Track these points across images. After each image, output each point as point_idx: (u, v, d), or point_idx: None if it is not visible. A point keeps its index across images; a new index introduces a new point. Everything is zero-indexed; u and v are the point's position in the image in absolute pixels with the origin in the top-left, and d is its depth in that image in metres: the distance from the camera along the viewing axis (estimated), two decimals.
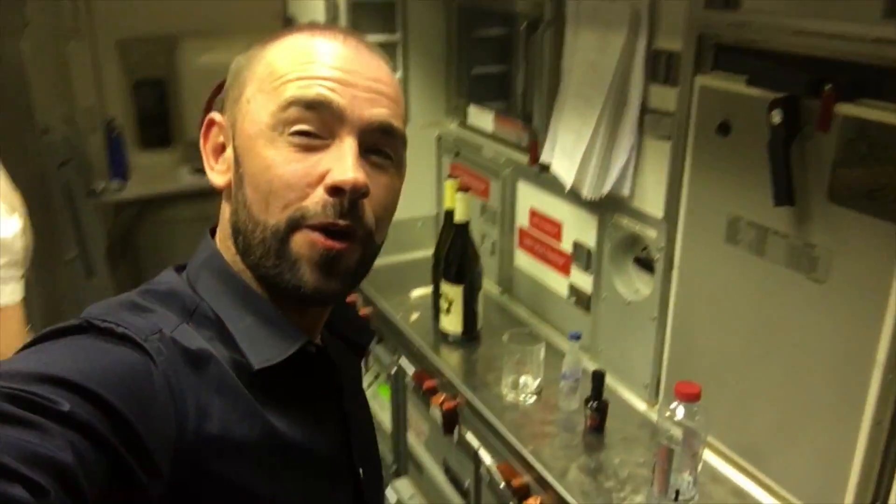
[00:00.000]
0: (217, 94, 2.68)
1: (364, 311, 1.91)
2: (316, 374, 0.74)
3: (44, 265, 2.91)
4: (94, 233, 3.08)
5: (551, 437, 1.38)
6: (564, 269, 1.63)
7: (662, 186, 1.31)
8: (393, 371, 1.80)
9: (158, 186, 3.13)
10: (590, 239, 1.53)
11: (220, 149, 0.74)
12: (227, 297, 0.71)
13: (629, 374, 1.47)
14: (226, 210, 0.74)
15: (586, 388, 1.38)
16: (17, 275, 1.45)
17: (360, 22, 1.92)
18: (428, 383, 1.61)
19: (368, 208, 0.70)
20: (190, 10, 3.01)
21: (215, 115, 0.75)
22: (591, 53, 1.40)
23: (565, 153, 1.48)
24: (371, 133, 0.70)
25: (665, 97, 1.28)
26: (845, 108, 0.98)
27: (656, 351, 1.39)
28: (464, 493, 1.59)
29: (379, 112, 0.70)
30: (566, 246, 1.61)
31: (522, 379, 1.49)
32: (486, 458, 1.44)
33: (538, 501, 1.27)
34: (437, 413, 1.56)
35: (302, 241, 0.68)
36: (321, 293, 0.69)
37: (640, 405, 1.44)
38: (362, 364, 0.89)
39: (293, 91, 0.68)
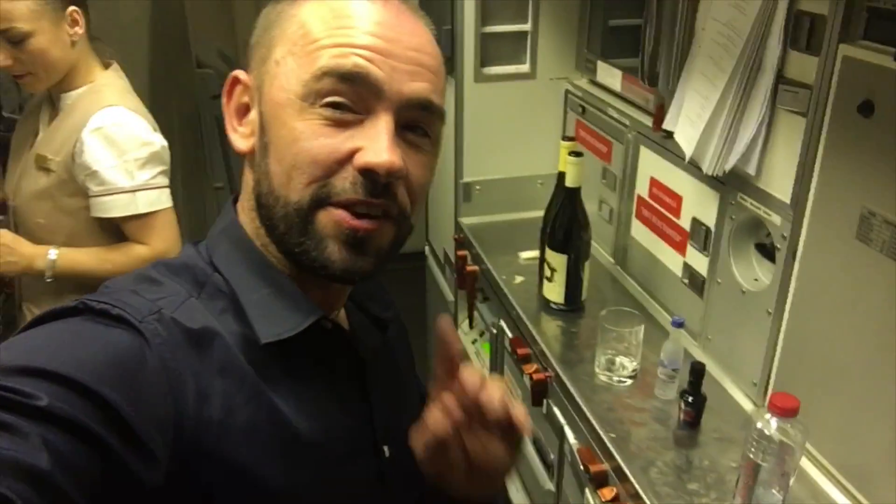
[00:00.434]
0: None
1: (471, 268, 1.88)
2: (334, 350, 0.71)
3: (195, 191, 3.11)
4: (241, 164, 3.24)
5: (640, 425, 1.29)
6: (680, 247, 1.50)
7: (792, 167, 1.16)
8: (494, 332, 1.77)
9: None
10: (709, 217, 1.39)
11: (245, 109, 0.70)
12: (243, 267, 0.69)
13: (737, 370, 1.35)
14: (249, 178, 0.70)
15: (687, 378, 1.28)
16: (168, 183, 1.61)
17: None
18: (522, 350, 1.56)
19: (403, 188, 0.66)
20: None
21: (240, 74, 0.71)
22: (728, 11, 1.24)
23: (689, 121, 1.35)
24: (409, 108, 0.65)
25: (804, 67, 1.12)
26: None
27: (769, 348, 1.26)
28: (548, 465, 1.55)
29: (419, 87, 0.65)
30: (684, 222, 1.48)
31: (618, 360, 1.40)
32: (570, 436, 1.38)
33: (613, 492, 1.21)
34: (527, 382, 1.51)
35: (327, 220, 0.64)
36: (350, 272, 0.66)
37: (746, 404, 1.32)
38: (393, 336, 0.84)
39: (328, 60, 0.63)
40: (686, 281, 1.49)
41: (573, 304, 1.60)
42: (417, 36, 0.66)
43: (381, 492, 0.77)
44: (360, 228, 0.64)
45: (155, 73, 2.68)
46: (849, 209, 1.04)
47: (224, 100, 0.72)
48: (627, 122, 1.65)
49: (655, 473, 1.18)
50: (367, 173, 0.63)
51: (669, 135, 1.44)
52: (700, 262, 1.44)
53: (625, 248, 1.73)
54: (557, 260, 1.56)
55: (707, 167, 1.30)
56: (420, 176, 0.67)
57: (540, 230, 1.63)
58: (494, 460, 0.74)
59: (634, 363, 1.39)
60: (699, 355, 1.43)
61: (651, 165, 1.58)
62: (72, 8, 1.55)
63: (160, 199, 1.62)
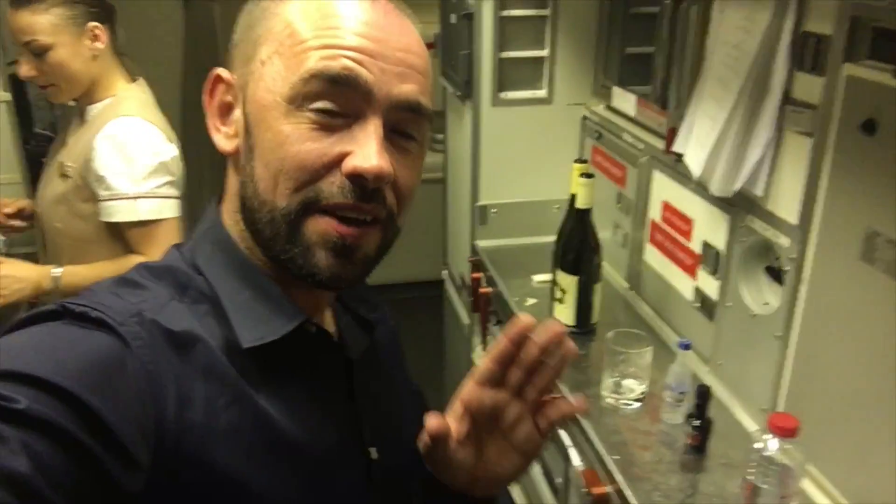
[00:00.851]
0: None
1: (484, 290, 1.88)
2: (320, 352, 0.72)
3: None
4: None
5: (645, 449, 1.27)
6: (691, 271, 1.49)
7: (799, 188, 1.15)
8: None
9: None
10: (720, 240, 1.38)
11: (227, 108, 0.68)
12: (226, 270, 0.68)
13: (746, 395, 1.33)
14: (233, 180, 0.69)
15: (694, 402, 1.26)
16: (176, 194, 1.63)
17: None
18: None
19: (391, 191, 0.66)
20: None
21: (222, 72, 0.68)
22: (735, 33, 1.25)
23: (699, 142, 1.34)
24: (397, 111, 0.64)
25: (810, 87, 1.11)
26: None
27: (777, 372, 1.23)
28: (555, 489, 1.53)
29: (408, 89, 0.64)
30: (695, 245, 1.47)
31: (626, 382, 1.39)
32: (575, 459, 1.37)
33: None
34: None
35: (314, 227, 0.64)
36: (338, 279, 0.66)
37: (755, 430, 1.30)
38: (381, 337, 0.84)
39: (316, 62, 0.62)
40: (697, 305, 1.47)
41: (584, 326, 1.59)
42: (406, 35, 0.65)
43: (368, 494, 0.77)
44: (348, 236, 0.64)
45: (187, 87, 2.74)
46: (854, 229, 1.03)
47: (205, 98, 0.69)
48: (641, 147, 1.66)
49: (658, 497, 1.16)
50: (356, 178, 0.62)
51: (680, 157, 1.44)
52: (711, 286, 1.42)
53: (638, 273, 1.72)
54: (568, 281, 1.55)
55: (715, 188, 1.29)
56: (408, 178, 0.67)
57: (553, 254, 1.64)
58: (504, 470, 0.77)
59: (642, 386, 1.38)
60: (709, 380, 1.41)
61: (663, 189, 1.58)
62: (93, 24, 1.61)
63: (164, 209, 1.63)
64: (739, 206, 1.31)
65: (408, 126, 0.66)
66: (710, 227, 1.42)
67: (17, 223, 1.86)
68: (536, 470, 1.61)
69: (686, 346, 1.30)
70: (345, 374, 0.75)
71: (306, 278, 0.65)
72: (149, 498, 0.56)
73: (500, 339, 0.72)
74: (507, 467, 0.78)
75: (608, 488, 1.23)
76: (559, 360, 0.73)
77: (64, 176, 1.65)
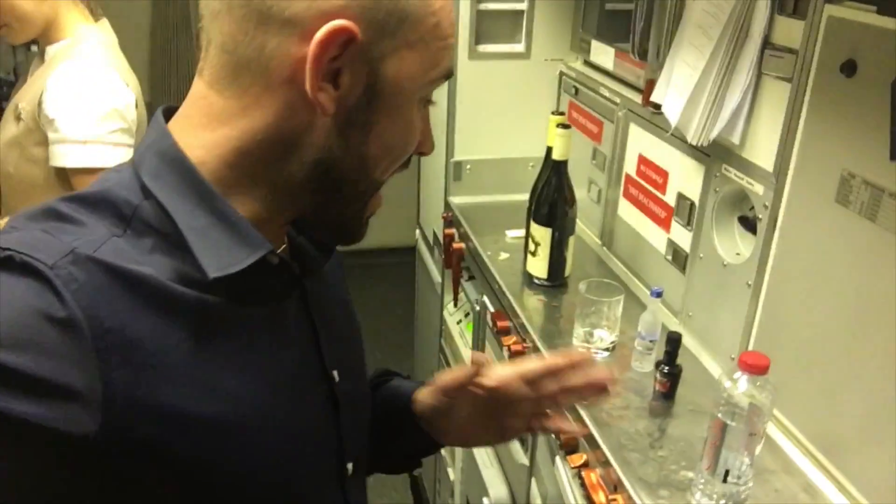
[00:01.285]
0: None
1: (457, 245, 1.87)
2: (276, 279, 0.69)
3: None
4: None
5: (614, 396, 1.27)
6: (665, 224, 1.49)
7: (776, 135, 1.14)
8: (477, 308, 1.75)
9: None
10: (694, 191, 1.38)
11: (334, 72, 0.59)
12: (179, 191, 0.61)
13: (715, 344, 1.33)
14: (259, 114, 0.61)
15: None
16: (129, 142, 1.57)
17: None
18: (502, 323, 1.54)
19: None
20: None
21: (353, 27, 0.57)
22: None
23: (678, 91, 1.34)
24: None
25: (791, 31, 1.10)
26: None
27: (748, 321, 1.24)
28: (522, 439, 1.53)
29: None
30: (670, 198, 1.47)
31: (597, 332, 1.39)
32: None
33: (583, 458, 1.19)
34: (506, 354, 1.49)
35: (376, 201, 0.70)
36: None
37: (723, 378, 1.30)
38: (338, 261, 0.84)
39: (448, 61, 0.65)
40: (669, 257, 1.48)
41: (556, 279, 1.58)
42: None
43: (334, 415, 0.76)
44: None
45: (155, 35, 2.68)
46: (829, 173, 1.03)
47: (315, 49, 0.57)
48: (618, 100, 1.65)
49: (626, 440, 1.17)
50: (408, 160, 0.69)
51: (658, 109, 1.43)
52: (684, 238, 1.43)
53: (612, 229, 1.71)
54: (541, 234, 1.54)
55: (692, 137, 1.28)
56: None
57: (527, 209, 1.62)
58: (478, 439, 0.96)
59: (613, 336, 1.38)
60: (679, 331, 1.41)
61: (640, 142, 1.57)
62: None
63: (114, 157, 1.55)
64: (715, 155, 1.30)
65: None
66: (685, 179, 1.41)
67: None
68: None
69: (658, 294, 1.30)
70: (302, 302, 0.73)
71: (342, 237, 0.72)
72: (107, 451, 0.56)
73: (563, 356, 0.84)
74: (482, 438, 0.95)
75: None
76: (592, 396, 0.86)
77: (18, 119, 1.59)
